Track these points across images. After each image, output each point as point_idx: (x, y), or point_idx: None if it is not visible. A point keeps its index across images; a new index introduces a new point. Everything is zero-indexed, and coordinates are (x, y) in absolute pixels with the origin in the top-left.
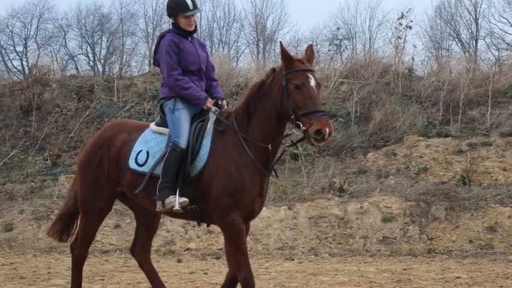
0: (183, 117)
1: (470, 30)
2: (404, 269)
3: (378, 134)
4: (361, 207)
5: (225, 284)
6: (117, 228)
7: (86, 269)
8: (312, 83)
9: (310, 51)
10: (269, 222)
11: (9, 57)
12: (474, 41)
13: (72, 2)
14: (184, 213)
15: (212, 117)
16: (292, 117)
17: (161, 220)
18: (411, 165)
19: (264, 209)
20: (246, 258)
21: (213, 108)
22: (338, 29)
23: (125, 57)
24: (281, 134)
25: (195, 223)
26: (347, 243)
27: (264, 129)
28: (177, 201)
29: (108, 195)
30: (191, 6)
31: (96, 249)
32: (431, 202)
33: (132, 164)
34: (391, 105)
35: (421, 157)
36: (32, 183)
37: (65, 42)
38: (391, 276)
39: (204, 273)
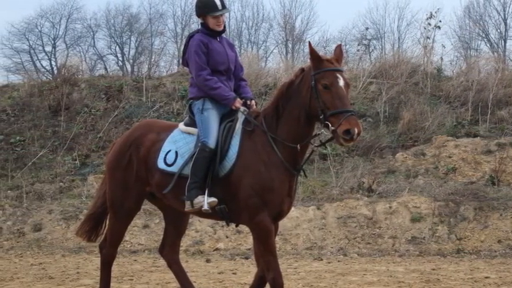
0: (212, 117)
1: (499, 30)
2: (433, 269)
3: (407, 134)
4: (390, 207)
5: (254, 284)
6: (145, 228)
7: (115, 269)
8: (341, 83)
9: (339, 51)
10: (298, 222)
11: (38, 57)
12: (503, 41)
13: (101, 2)
14: (213, 213)
15: (241, 117)
16: (321, 117)
17: (190, 220)
18: (440, 165)
19: (292, 209)
20: (275, 258)
21: (242, 108)
22: (367, 29)
23: (153, 57)
24: (310, 134)
25: (224, 223)
26: (376, 243)
27: (293, 129)
28: (205, 201)
29: (136, 195)
30: (220, 6)
31: (125, 249)
32: (460, 202)
33: (160, 164)
34: (419, 105)
35: (450, 157)
36: (61, 183)
37: (94, 42)
38: (420, 276)
39: (233, 273)
